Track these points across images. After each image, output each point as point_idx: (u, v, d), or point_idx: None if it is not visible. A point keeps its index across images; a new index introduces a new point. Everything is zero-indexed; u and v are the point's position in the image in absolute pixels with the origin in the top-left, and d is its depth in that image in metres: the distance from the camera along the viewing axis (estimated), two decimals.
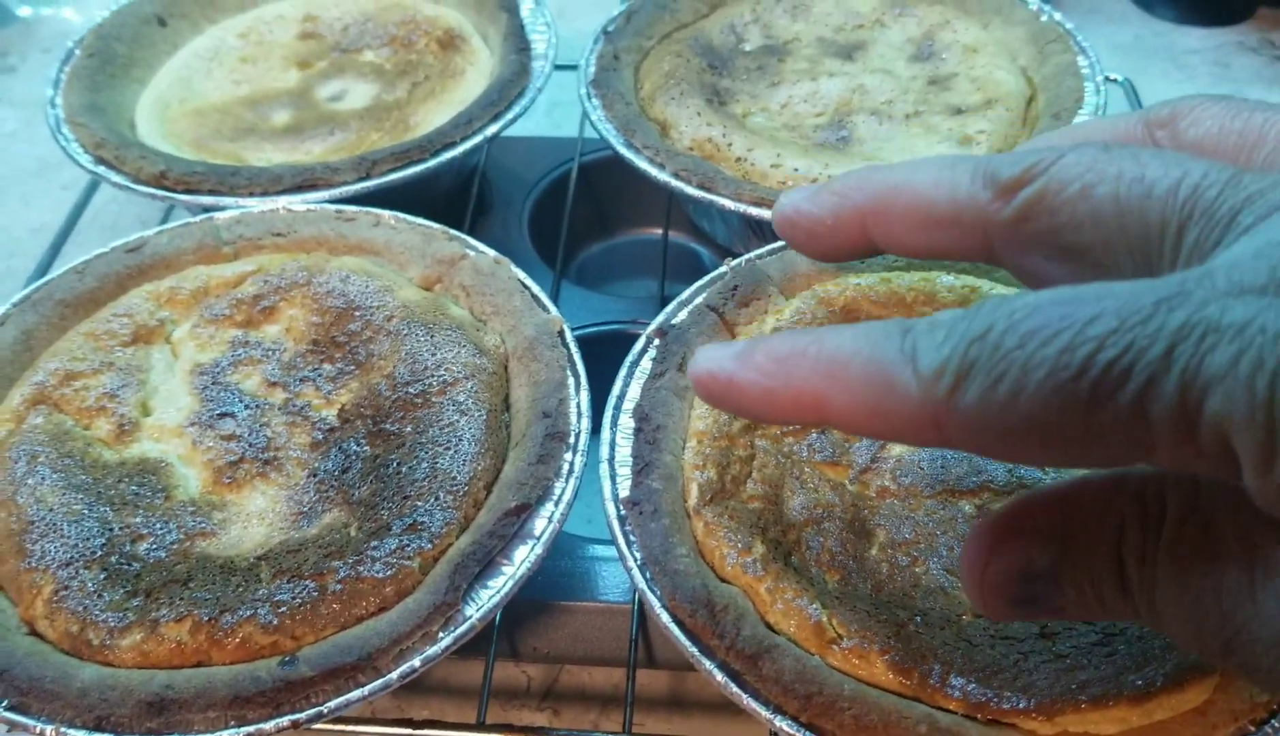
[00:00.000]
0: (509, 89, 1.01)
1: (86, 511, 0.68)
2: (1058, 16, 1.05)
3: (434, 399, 0.73)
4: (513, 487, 0.68)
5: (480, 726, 0.68)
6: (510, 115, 0.99)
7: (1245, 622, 0.35)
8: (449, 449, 0.70)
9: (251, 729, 0.57)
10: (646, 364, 0.75)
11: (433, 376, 0.74)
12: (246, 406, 0.75)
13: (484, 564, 0.64)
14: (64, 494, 0.68)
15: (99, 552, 0.66)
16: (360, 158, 0.93)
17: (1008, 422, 0.33)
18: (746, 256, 0.81)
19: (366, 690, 0.59)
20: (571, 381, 0.74)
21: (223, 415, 0.75)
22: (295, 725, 0.58)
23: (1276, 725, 0.55)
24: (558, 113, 1.38)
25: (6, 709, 0.59)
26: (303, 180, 0.92)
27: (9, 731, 0.59)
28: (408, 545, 0.65)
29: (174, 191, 0.93)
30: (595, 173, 1.16)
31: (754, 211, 0.86)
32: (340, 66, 1.13)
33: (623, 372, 0.74)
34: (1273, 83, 1.44)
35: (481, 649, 0.73)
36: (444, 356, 0.75)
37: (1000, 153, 0.90)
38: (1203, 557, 0.35)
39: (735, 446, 0.70)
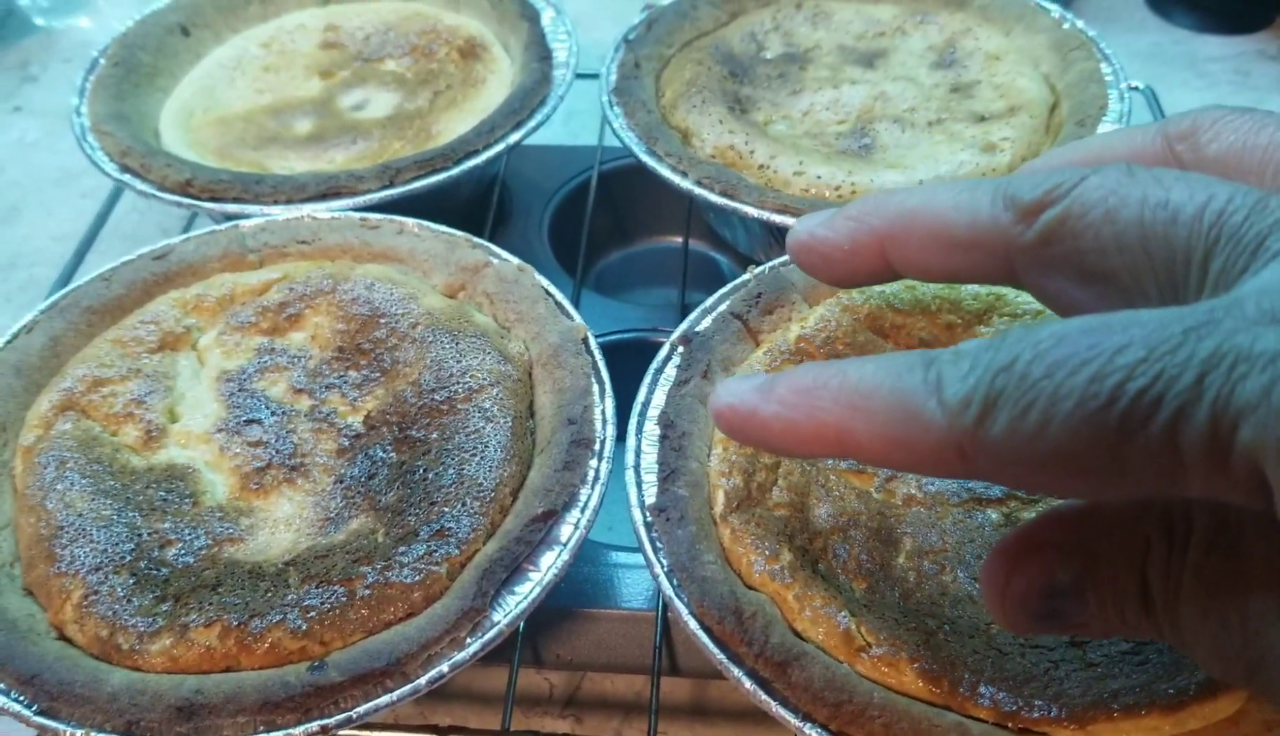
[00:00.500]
0: (531, 97, 1.01)
1: (115, 517, 0.68)
2: (1080, 24, 1.05)
3: (460, 405, 0.73)
4: (539, 494, 0.68)
5: (505, 733, 0.68)
6: (532, 123, 0.99)
7: (1271, 647, 0.34)
8: (475, 455, 0.70)
9: (280, 734, 0.58)
10: (671, 371, 0.75)
11: (458, 383, 0.74)
12: (273, 413, 0.76)
13: (511, 570, 0.64)
14: (92, 499, 0.69)
15: (128, 558, 0.66)
16: (384, 166, 0.93)
17: (1036, 453, 0.33)
18: (770, 264, 0.81)
19: (395, 695, 0.59)
20: (596, 388, 0.74)
21: (249, 422, 0.75)
22: (324, 730, 0.58)
23: None
24: (575, 122, 1.39)
25: (36, 713, 0.59)
26: (327, 188, 0.92)
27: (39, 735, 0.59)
28: (435, 551, 0.65)
29: (199, 199, 0.93)
30: (615, 181, 1.17)
31: (777, 219, 0.86)
32: (362, 76, 1.13)
33: (647, 380, 0.74)
34: None
35: (505, 655, 0.73)
36: (469, 363, 0.75)
37: (1026, 159, 0.91)
38: (1229, 580, 0.35)
39: (761, 453, 0.70)
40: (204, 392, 0.78)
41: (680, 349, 0.76)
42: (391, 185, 0.92)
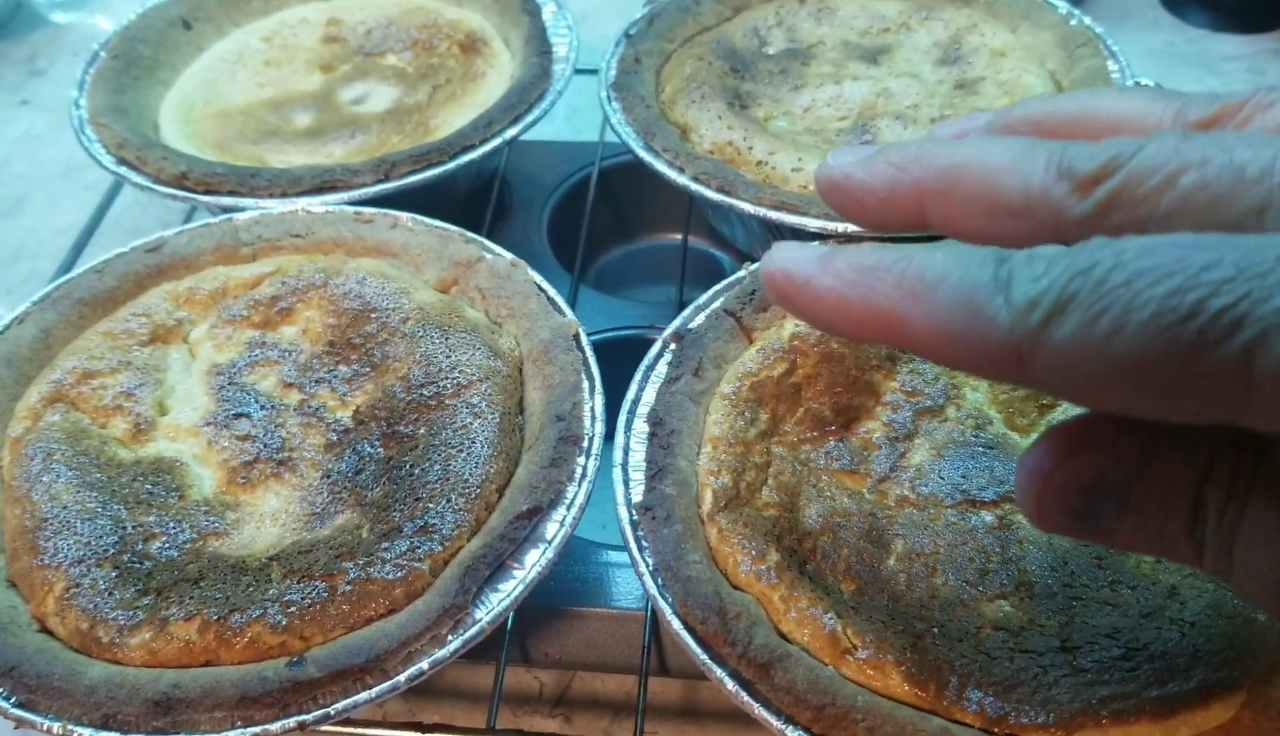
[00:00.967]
0: (529, 92, 1.00)
1: (100, 509, 0.68)
2: (1087, 21, 1.04)
3: (448, 401, 0.73)
4: (525, 491, 0.67)
5: (490, 731, 0.67)
6: (530, 118, 0.98)
7: None
8: (462, 451, 0.69)
9: (258, 729, 0.57)
10: (662, 368, 0.74)
11: (447, 379, 0.74)
12: (262, 407, 0.75)
13: (494, 567, 0.63)
14: (78, 491, 0.68)
15: (111, 551, 0.65)
16: (379, 160, 0.93)
17: (1100, 361, 0.32)
18: None
19: (374, 692, 0.58)
20: (586, 385, 0.73)
21: (238, 415, 0.75)
22: (302, 726, 0.57)
23: None
24: (578, 118, 1.38)
25: (15, 705, 0.59)
26: (322, 182, 0.92)
27: (16, 728, 0.59)
28: (418, 547, 0.64)
29: (195, 192, 0.93)
30: (615, 178, 1.16)
31: (774, 215, 0.85)
32: (363, 70, 1.13)
33: (638, 377, 0.74)
34: None
35: (493, 654, 0.73)
36: (458, 359, 0.75)
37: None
38: None
39: (751, 453, 0.69)
40: (194, 386, 0.78)
41: (672, 346, 0.75)
42: (387, 179, 0.92)
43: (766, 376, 0.72)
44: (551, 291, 0.80)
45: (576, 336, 0.76)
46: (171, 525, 0.68)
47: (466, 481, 0.67)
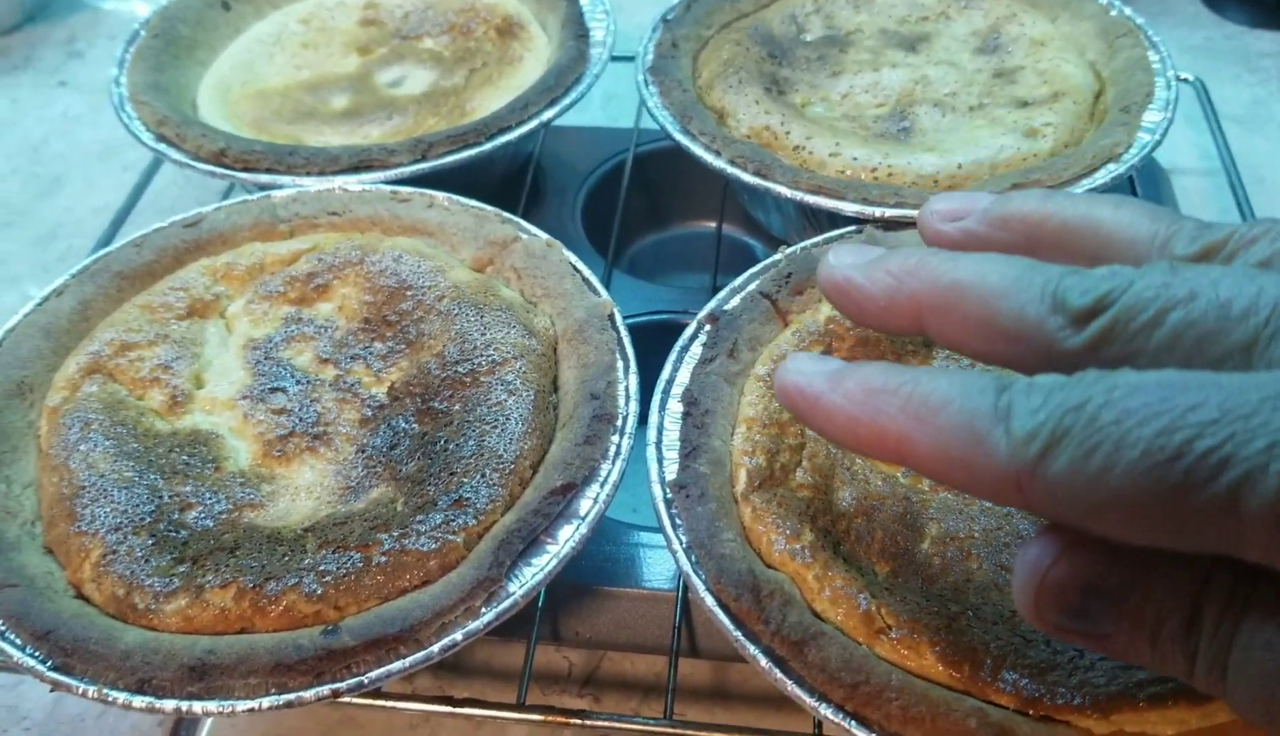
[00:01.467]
0: (566, 75, 1.00)
1: (137, 479, 0.68)
2: (1128, 11, 1.03)
3: (483, 378, 0.73)
4: (559, 467, 0.67)
5: (520, 706, 0.67)
6: (566, 101, 0.98)
7: None
8: (496, 427, 0.69)
9: (292, 696, 0.57)
10: (697, 349, 0.74)
11: (482, 356, 0.74)
12: (298, 382, 0.75)
13: (528, 541, 0.63)
14: (115, 461, 0.69)
15: (148, 519, 0.66)
16: (416, 140, 0.93)
17: (1094, 495, 0.33)
18: (800, 244, 0.80)
19: (408, 662, 0.58)
20: (620, 364, 0.73)
21: (274, 390, 0.75)
22: (335, 694, 0.57)
23: None
24: (613, 106, 1.38)
25: (51, 668, 0.59)
26: (359, 161, 0.92)
27: (52, 691, 0.59)
28: (453, 520, 0.64)
29: (233, 169, 0.94)
30: (650, 164, 1.16)
31: (810, 199, 0.85)
32: (400, 53, 1.13)
33: (672, 357, 0.73)
34: None
35: (524, 631, 0.73)
36: (493, 336, 0.75)
37: (1069, 146, 0.89)
38: None
39: (786, 434, 0.69)
40: (230, 360, 0.78)
41: (707, 327, 0.75)
42: (424, 159, 0.92)
43: None
44: (586, 272, 0.80)
45: (611, 316, 0.76)
46: (208, 495, 0.68)
47: (501, 456, 0.68)
